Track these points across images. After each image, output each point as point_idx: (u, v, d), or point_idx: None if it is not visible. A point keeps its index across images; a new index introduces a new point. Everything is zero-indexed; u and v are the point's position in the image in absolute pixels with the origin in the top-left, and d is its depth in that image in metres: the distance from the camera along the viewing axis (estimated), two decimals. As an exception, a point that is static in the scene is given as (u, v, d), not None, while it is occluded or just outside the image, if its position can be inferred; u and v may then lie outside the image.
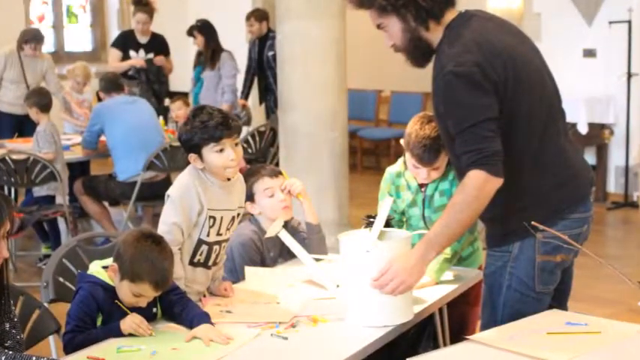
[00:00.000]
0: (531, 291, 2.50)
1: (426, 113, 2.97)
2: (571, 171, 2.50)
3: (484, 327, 2.56)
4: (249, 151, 6.43)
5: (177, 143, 4.94)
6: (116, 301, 2.42)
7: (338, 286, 2.67)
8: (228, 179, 2.69)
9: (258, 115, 8.01)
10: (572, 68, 7.09)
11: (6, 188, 5.41)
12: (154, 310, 2.51)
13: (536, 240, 2.45)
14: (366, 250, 2.44)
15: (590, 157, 7.18)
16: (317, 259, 2.85)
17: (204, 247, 2.69)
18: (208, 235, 2.67)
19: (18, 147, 5.76)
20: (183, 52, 8.49)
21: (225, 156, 2.61)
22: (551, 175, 2.46)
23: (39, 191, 5.48)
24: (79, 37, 10.13)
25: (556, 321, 2.43)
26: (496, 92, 2.35)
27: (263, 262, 3.11)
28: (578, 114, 6.86)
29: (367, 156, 9.37)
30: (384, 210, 2.60)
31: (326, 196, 5.54)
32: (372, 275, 2.42)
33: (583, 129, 6.90)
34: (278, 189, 3.11)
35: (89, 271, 2.49)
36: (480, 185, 2.34)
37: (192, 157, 2.64)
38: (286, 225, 3.04)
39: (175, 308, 2.50)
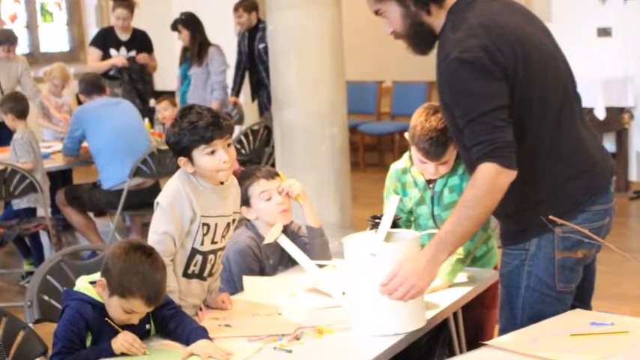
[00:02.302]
0: (552, 290, 2.50)
1: (431, 104, 2.97)
2: (589, 159, 2.50)
3: (502, 331, 2.56)
4: (243, 151, 6.43)
5: (165, 147, 4.95)
6: (106, 318, 2.42)
7: (344, 293, 2.67)
8: (222, 183, 2.69)
9: (251, 113, 8.02)
10: (586, 49, 7.08)
11: (-17, 202, 5.42)
12: (147, 326, 2.51)
13: (554, 235, 2.45)
14: (372, 254, 2.44)
15: (609, 144, 7.18)
16: (320, 266, 2.85)
17: (199, 257, 2.69)
18: (202, 244, 2.67)
19: (-6, 157, 5.76)
20: (168, 49, 8.49)
21: (217, 158, 2.61)
22: (568, 164, 2.46)
23: (18, 204, 5.48)
24: (55, 37, 10.13)
25: (579, 321, 2.43)
26: (506, 78, 2.35)
27: (262, 271, 3.12)
28: (594, 98, 6.86)
29: (370, 152, 9.38)
30: (390, 210, 2.60)
31: (327, 196, 5.55)
32: (380, 280, 2.42)
33: (600, 114, 6.90)
34: (275, 191, 3.12)
35: (76, 288, 2.49)
36: (492, 179, 2.34)
37: (181, 160, 2.64)
38: (285, 230, 3.04)
39: (170, 324, 2.50)
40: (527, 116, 2.41)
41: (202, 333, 2.44)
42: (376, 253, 2.44)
